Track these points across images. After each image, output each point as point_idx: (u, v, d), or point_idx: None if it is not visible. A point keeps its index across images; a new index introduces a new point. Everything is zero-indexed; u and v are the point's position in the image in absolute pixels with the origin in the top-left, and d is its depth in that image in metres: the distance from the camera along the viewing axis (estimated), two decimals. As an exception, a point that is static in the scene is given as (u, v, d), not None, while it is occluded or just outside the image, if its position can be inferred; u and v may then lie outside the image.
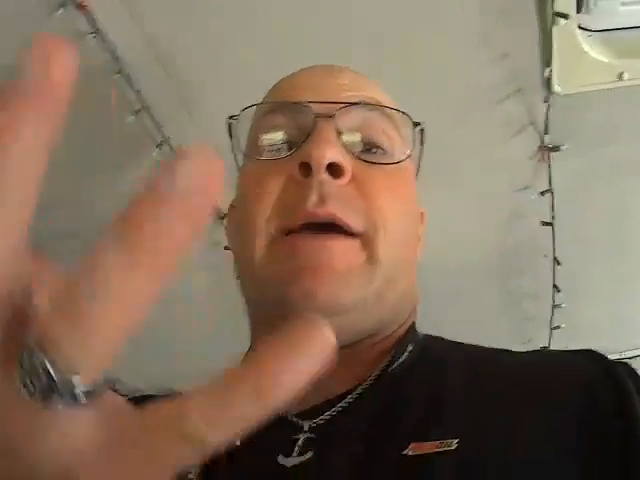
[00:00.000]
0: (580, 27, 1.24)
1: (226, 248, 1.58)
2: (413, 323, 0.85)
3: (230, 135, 0.84)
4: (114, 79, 1.26)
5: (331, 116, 0.75)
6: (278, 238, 0.74)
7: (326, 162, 0.70)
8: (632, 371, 0.69)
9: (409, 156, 0.81)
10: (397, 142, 0.81)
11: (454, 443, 0.62)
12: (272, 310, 0.75)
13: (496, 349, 0.81)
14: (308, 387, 0.75)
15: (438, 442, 0.63)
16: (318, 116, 0.75)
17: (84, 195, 1.55)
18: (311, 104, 0.76)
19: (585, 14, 1.24)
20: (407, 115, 0.82)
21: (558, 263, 1.54)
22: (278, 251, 0.74)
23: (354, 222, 0.72)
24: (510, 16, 1.19)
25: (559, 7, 1.14)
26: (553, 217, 1.47)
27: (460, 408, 0.67)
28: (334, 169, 0.72)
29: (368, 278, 0.73)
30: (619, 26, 1.28)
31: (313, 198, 0.71)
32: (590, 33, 1.26)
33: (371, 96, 0.81)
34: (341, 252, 0.71)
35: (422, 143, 0.85)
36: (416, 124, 0.82)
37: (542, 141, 1.37)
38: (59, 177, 1.48)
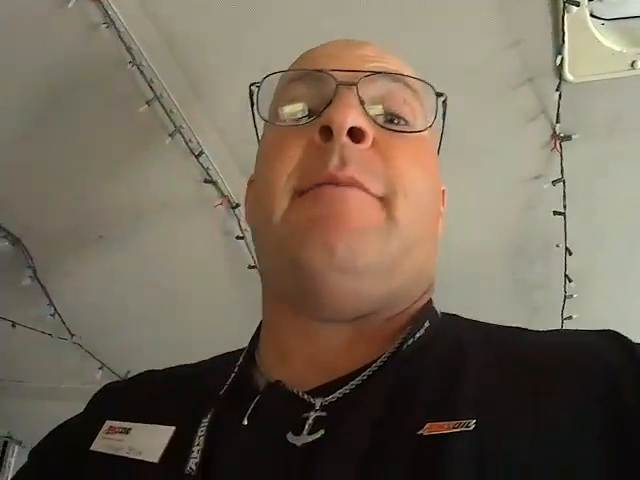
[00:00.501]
0: (592, 15, 1.23)
1: (238, 238, 1.60)
2: (430, 300, 0.84)
3: (252, 103, 0.84)
4: (127, 69, 1.27)
5: (354, 84, 0.74)
6: (298, 196, 0.74)
7: (347, 126, 0.70)
8: None
9: (431, 125, 0.81)
10: (419, 113, 0.81)
11: (472, 423, 0.61)
12: (288, 275, 0.75)
13: (516, 328, 0.80)
14: (318, 360, 0.76)
15: (455, 422, 0.62)
16: (340, 84, 0.75)
17: (96, 186, 1.57)
18: (334, 72, 0.76)
19: (597, 2, 1.23)
20: (430, 85, 0.82)
21: (570, 253, 1.53)
22: (298, 205, 0.74)
23: (374, 186, 0.72)
24: (522, 4, 1.18)
25: (571, -6, 1.13)
26: (565, 206, 1.45)
27: (478, 388, 0.66)
28: (355, 134, 0.72)
29: (386, 238, 0.72)
30: (631, 14, 1.26)
31: (335, 161, 0.71)
32: (602, 21, 1.25)
33: (394, 67, 0.81)
34: (360, 204, 0.71)
35: (444, 115, 0.85)
36: (439, 94, 0.82)
37: (554, 130, 1.36)
38: (70, 168, 1.50)
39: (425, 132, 0.80)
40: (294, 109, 0.79)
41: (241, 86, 0.84)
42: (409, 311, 0.79)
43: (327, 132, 0.72)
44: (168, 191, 1.56)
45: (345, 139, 0.71)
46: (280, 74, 0.85)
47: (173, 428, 0.77)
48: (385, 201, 0.73)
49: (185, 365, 0.94)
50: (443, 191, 0.91)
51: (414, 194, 0.74)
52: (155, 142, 1.42)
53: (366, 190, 0.72)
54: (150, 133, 1.41)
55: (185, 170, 1.50)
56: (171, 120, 1.38)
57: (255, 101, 0.83)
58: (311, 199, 0.72)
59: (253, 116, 0.84)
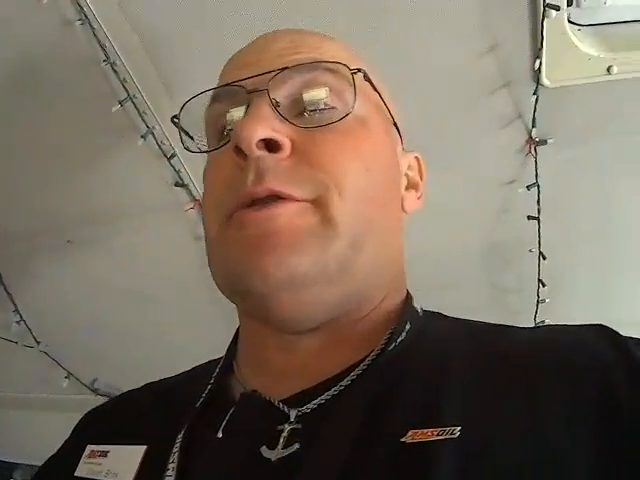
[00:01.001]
0: (569, 21, 1.23)
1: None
2: (408, 297, 0.82)
3: (180, 134, 0.82)
4: (100, 68, 1.25)
5: (263, 89, 0.71)
6: (227, 220, 0.72)
7: (254, 140, 0.68)
8: None
9: (353, 107, 0.74)
10: (348, 94, 0.75)
11: (457, 431, 0.60)
12: (238, 297, 0.74)
13: (503, 326, 0.78)
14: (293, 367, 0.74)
15: (439, 429, 0.60)
16: (251, 92, 0.72)
17: (64, 187, 1.54)
18: (243, 82, 0.74)
19: (575, 7, 1.24)
20: (344, 64, 0.75)
21: (544, 258, 1.54)
22: (226, 231, 0.71)
23: (299, 192, 0.69)
24: (502, 8, 1.18)
25: (550, -1, 1.14)
26: (539, 211, 1.46)
27: (463, 393, 0.65)
28: (270, 144, 0.69)
29: (323, 240, 0.68)
30: (608, 20, 1.27)
31: (250, 177, 0.68)
32: (579, 27, 1.26)
33: (309, 55, 0.76)
34: (287, 217, 0.68)
35: (375, 89, 0.80)
36: (354, 72, 0.76)
37: (529, 134, 1.36)
38: (38, 168, 1.47)
39: (359, 113, 0.76)
40: (218, 129, 0.79)
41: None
42: (380, 310, 0.77)
43: (240, 150, 0.69)
44: (139, 194, 1.54)
45: (259, 152, 0.69)
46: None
47: (144, 447, 0.76)
48: (317, 203, 0.70)
49: (164, 379, 0.94)
50: (416, 157, 0.89)
51: (351, 188, 0.71)
52: (127, 143, 1.40)
53: (290, 197, 0.69)
54: (122, 134, 1.39)
55: (156, 172, 1.48)
56: (144, 121, 1.36)
57: (180, 133, 0.82)
58: (235, 227, 0.70)
59: (183, 143, 0.83)
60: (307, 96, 0.74)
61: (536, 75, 1.26)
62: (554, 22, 1.18)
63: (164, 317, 1.80)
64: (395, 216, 0.82)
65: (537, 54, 1.22)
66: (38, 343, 1.91)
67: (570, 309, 1.66)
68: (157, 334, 1.81)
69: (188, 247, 1.62)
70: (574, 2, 1.23)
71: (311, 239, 0.68)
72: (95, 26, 1.21)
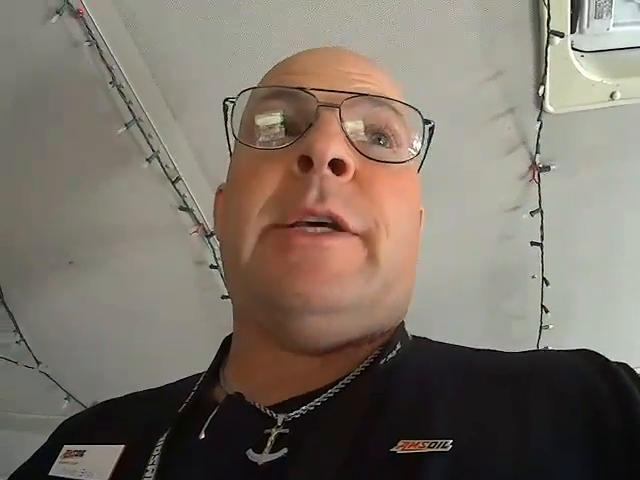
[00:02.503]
0: (572, 47, 1.24)
1: (211, 267, 1.58)
2: (402, 323, 0.82)
3: (225, 118, 0.79)
4: (107, 89, 1.25)
5: (336, 106, 0.70)
6: (270, 231, 0.70)
7: (329, 157, 0.67)
8: (632, 371, 0.66)
9: (417, 155, 0.78)
10: (404, 138, 0.77)
11: (449, 444, 0.59)
12: (261, 312, 0.73)
13: (491, 350, 0.78)
14: (284, 379, 0.73)
15: (431, 441, 0.60)
16: (322, 105, 0.71)
17: (68, 208, 1.54)
18: (315, 92, 0.72)
19: (578, 34, 1.24)
20: (417, 111, 0.77)
21: (547, 283, 1.53)
22: (269, 244, 0.70)
23: (354, 221, 0.69)
24: (506, 35, 1.19)
25: (555, 26, 1.14)
26: (542, 237, 1.46)
27: (453, 409, 0.64)
28: (336, 165, 0.68)
29: (366, 279, 0.69)
30: (611, 47, 1.28)
31: (314, 194, 0.67)
32: (583, 53, 1.27)
33: (380, 88, 0.76)
34: (341, 253, 0.68)
35: (429, 142, 0.80)
36: (426, 122, 0.78)
37: (533, 160, 1.37)
38: (42, 188, 1.47)
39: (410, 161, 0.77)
40: (271, 121, 0.75)
41: (222, 113, 0.81)
42: (382, 337, 0.77)
43: (307, 162, 0.68)
44: (142, 216, 1.53)
45: (326, 171, 0.67)
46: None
47: (122, 447, 0.75)
48: (366, 238, 0.70)
49: (151, 389, 0.92)
50: (421, 212, 0.88)
51: (396, 230, 0.71)
52: (131, 165, 1.40)
53: (345, 225, 0.68)
54: (127, 156, 1.40)
55: (161, 196, 1.48)
56: (149, 144, 1.36)
57: (229, 117, 0.79)
58: (283, 243, 0.68)
59: (227, 132, 0.80)
60: (373, 127, 0.75)
61: (540, 101, 1.27)
62: (558, 49, 1.19)
63: (165, 339, 1.79)
64: (416, 255, 0.83)
65: (541, 80, 1.23)
66: (38, 363, 1.90)
67: (574, 335, 1.65)
68: (158, 356, 1.80)
69: (190, 270, 1.62)
70: (577, 29, 1.24)
71: (358, 274, 0.69)
72: (103, 48, 1.22)
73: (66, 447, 0.81)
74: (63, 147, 1.41)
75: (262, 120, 0.76)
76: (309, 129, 0.70)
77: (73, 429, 0.89)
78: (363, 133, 0.74)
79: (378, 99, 0.75)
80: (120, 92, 1.27)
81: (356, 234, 0.69)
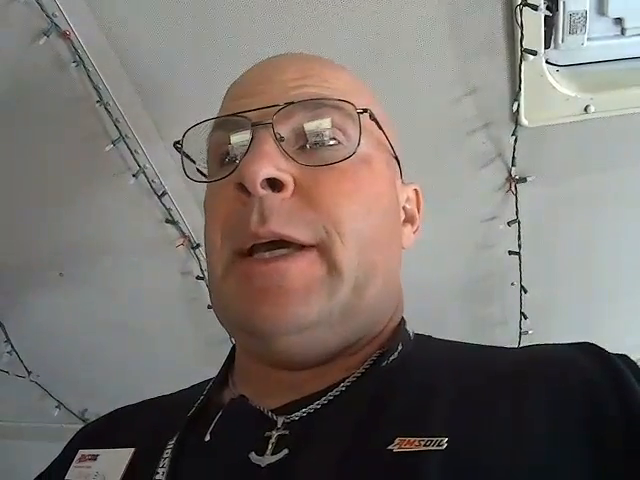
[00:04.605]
0: (547, 62, 1.26)
1: (197, 278, 1.60)
2: (402, 321, 0.82)
3: (182, 159, 0.81)
4: (94, 108, 1.27)
5: (268, 123, 0.70)
6: (233, 261, 0.72)
7: (259, 180, 0.67)
8: (632, 362, 0.67)
9: (357, 147, 0.73)
10: (353, 131, 0.74)
11: (444, 442, 0.60)
12: (240, 334, 0.76)
13: (488, 346, 0.79)
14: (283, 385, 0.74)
15: (427, 439, 0.61)
16: (255, 124, 0.71)
17: (57, 222, 1.55)
18: (248, 113, 0.72)
19: (553, 49, 1.26)
20: (350, 103, 0.74)
21: (525, 291, 1.57)
22: (233, 275, 0.72)
23: (303, 235, 0.69)
24: (480, 53, 1.22)
25: (528, 44, 1.17)
26: (520, 246, 1.49)
27: (450, 408, 0.65)
28: (274, 183, 0.69)
29: (329, 291, 0.69)
30: (585, 60, 1.30)
31: (254, 217, 0.68)
32: (557, 68, 1.29)
33: (316, 89, 0.75)
34: (298, 272, 0.68)
35: (380, 127, 0.78)
36: (361, 112, 0.74)
37: (509, 173, 1.39)
38: (32, 202, 1.49)
39: (363, 151, 0.74)
40: (220, 150, 0.77)
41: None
42: (378, 338, 0.78)
43: (243, 187, 0.69)
44: (130, 230, 1.55)
45: (263, 192, 0.68)
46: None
47: (132, 450, 0.77)
48: (321, 250, 0.69)
49: (162, 395, 0.94)
50: (415, 190, 0.89)
51: (352, 234, 0.70)
52: (119, 181, 1.43)
53: (294, 240, 0.68)
54: (114, 172, 1.42)
55: (147, 210, 1.50)
56: (135, 160, 1.39)
57: (182, 159, 0.80)
58: (242, 274, 0.70)
59: (184, 170, 0.79)
60: (309, 126, 0.73)
61: (515, 116, 1.29)
62: (532, 65, 1.21)
63: (152, 349, 1.81)
64: (396, 254, 0.81)
65: (515, 96, 1.25)
66: (29, 373, 1.91)
67: (553, 340, 1.66)
68: (145, 365, 1.82)
69: (176, 282, 1.65)
70: (552, 44, 1.25)
71: (320, 289, 0.69)
72: (89, 68, 1.24)
73: (81, 452, 0.84)
74: (52, 163, 1.42)
75: (213, 156, 0.79)
76: (245, 154, 0.70)
77: (89, 435, 0.92)
78: (303, 140, 0.73)
79: (308, 102, 0.73)
80: (107, 110, 1.30)
81: (313, 246, 0.69)
